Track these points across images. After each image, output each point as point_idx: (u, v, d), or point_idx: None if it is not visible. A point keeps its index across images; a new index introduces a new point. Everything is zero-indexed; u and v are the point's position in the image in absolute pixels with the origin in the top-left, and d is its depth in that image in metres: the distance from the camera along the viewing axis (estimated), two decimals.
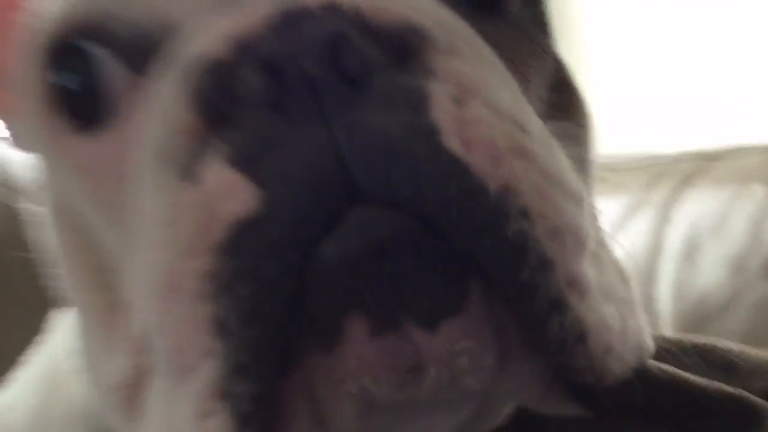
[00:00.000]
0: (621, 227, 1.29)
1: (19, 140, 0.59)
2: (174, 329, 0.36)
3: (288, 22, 0.38)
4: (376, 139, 0.35)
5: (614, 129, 2.27)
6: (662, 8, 2.43)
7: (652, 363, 0.79)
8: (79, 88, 0.44)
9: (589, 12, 2.54)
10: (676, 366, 0.79)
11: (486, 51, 0.41)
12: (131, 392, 0.43)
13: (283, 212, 0.35)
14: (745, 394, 0.78)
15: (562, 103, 0.49)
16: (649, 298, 1.18)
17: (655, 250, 1.21)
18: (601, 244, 0.41)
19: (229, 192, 0.35)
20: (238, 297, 0.34)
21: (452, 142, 0.35)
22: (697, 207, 1.19)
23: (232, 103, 0.37)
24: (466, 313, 0.35)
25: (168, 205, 0.37)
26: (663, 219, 1.23)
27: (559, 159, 0.40)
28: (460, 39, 0.40)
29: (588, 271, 0.37)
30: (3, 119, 0.59)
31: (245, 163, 0.35)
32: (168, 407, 0.39)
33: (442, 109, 0.36)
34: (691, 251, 1.15)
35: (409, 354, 0.35)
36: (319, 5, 0.38)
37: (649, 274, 1.20)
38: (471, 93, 0.37)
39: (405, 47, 0.38)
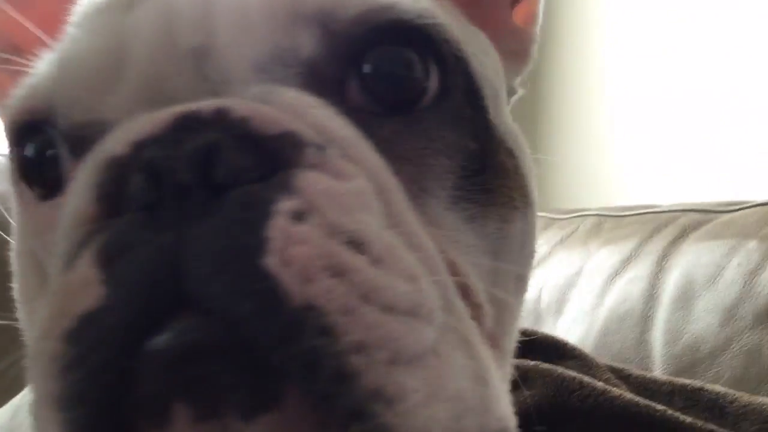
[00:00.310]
0: (619, 274, 1.33)
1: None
2: (35, 396, 0.42)
3: (178, 128, 0.42)
4: (207, 251, 0.39)
5: (619, 183, 2.32)
6: (666, 63, 2.48)
7: (644, 403, 0.83)
8: (36, 162, 0.51)
9: (597, 66, 2.60)
10: (667, 407, 0.83)
11: (370, 160, 0.44)
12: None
13: (117, 310, 0.39)
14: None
15: (487, 185, 0.51)
16: (643, 343, 1.21)
17: (651, 297, 1.24)
18: (465, 337, 0.44)
19: (82, 286, 0.40)
20: (73, 380, 0.39)
21: (271, 260, 0.38)
22: (694, 258, 1.22)
23: (122, 196, 0.42)
24: (283, 409, 0.38)
25: (51, 290, 0.43)
26: (660, 268, 1.26)
27: (396, 269, 0.41)
28: (340, 148, 0.43)
29: (404, 379, 0.39)
30: None
31: (104, 259, 0.40)
32: None
33: (276, 227, 0.39)
34: (685, 299, 1.18)
35: None
36: (210, 112, 0.42)
37: (644, 319, 1.23)
38: (314, 210, 0.40)
39: (280, 157, 0.41)
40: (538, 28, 0.67)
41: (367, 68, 0.48)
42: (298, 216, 0.39)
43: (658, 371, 1.14)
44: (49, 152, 0.50)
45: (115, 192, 0.42)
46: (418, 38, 0.49)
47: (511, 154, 0.54)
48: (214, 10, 0.48)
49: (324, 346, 0.38)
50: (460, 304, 0.45)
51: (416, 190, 0.47)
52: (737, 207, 1.31)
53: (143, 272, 0.39)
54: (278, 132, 0.42)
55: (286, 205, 0.39)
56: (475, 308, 0.47)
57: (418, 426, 0.39)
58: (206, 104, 0.43)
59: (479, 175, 0.51)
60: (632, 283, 1.29)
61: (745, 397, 0.87)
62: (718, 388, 0.91)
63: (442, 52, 0.49)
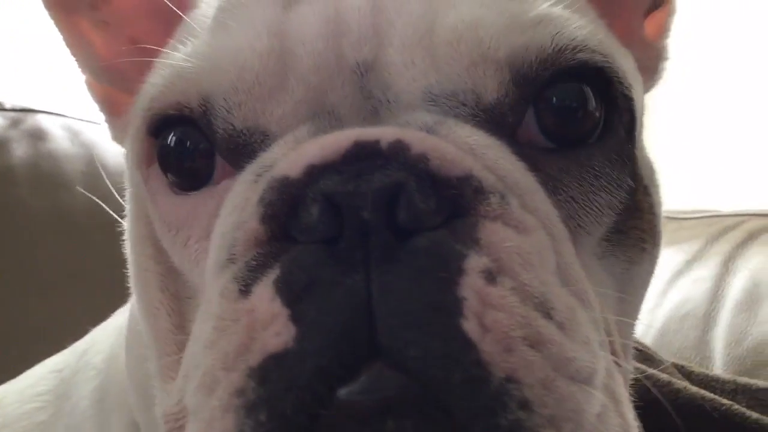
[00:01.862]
0: (683, 275, 1.31)
1: (114, 135, 0.64)
2: (204, 425, 0.40)
3: (361, 157, 0.41)
4: (401, 307, 0.37)
5: (684, 186, 2.29)
6: (731, 70, 2.44)
7: (710, 396, 0.81)
8: (178, 153, 0.49)
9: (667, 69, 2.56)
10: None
11: (542, 204, 0.43)
12: (176, 425, 0.47)
13: (310, 355, 0.37)
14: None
15: (630, 225, 0.50)
16: (705, 343, 1.20)
17: (715, 298, 1.23)
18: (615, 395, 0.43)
19: (269, 320, 0.39)
20: (258, 420, 0.38)
21: (470, 325, 0.37)
22: (761, 261, 1.21)
23: (297, 221, 0.40)
24: None
25: (224, 312, 0.41)
26: (726, 269, 1.25)
27: (577, 335, 0.40)
28: (517, 194, 0.42)
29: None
30: (104, 112, 0.64)
31: (289, 294, 0.39)
32: None
33: (471, 286, 0.38)
34: (751, 302, 1.17)
35: None
36: (388, 144, 0.41)
37: (706, 320, 1.22)
38: (505, 270, 0.39)
39: (461, 201, 0.40)
40: (668, 43, 0.63)
41: (543, 103, 0.46)
42: (490, 276, 0.38)
43: (719, 372, 1.12)
44: (189, 144, 0.48)
45: (285, 215, 0.41)
46: (596, 75, 0.48)
47: (647, 191, 0.53)
48: (388, 25, 0.46)
49: (524, 420, 0.37)
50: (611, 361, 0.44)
51: (573, 226, 0.47)
52: None
53: (336, 317, 0.38)
54: (459, 175, 0.41)
55: (477, 262, 0.38)
56: (611, 344, 0.46)
57: None
58: (383, 133, 0.42)
59: (626, 215, 0.50)
60: (696, 284, 1.27)
61: None
62: None
63: (614, 89, 0.48)
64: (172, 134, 0.49)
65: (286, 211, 0.41)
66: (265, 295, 0.39)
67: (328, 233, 0.39)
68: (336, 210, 0.39)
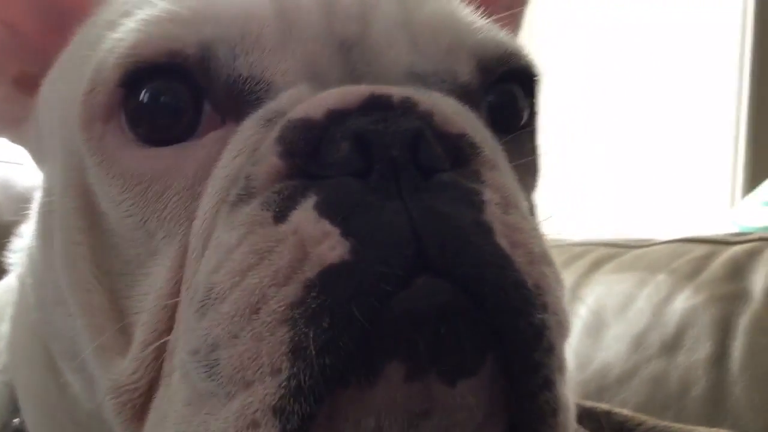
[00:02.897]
0: None
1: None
2: (246, 347, 0.41)
3: (376, 107, 0.46)
4: (448, 224, 0.43)
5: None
6: (578, 101, 2.55)
7: None
8: (156, 106, 0.49)
9: None
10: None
11: (508, 167, 0.51)
12: (136, 395, 0.47)
13: (369, 264, 0.41)
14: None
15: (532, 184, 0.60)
16: None
17: None
18: None
19: (321, 237, 0.42)
20: (320, 327, 0.40)
21: (503, 241, 0.44)
22: (605, 288, 1.25)
23: (316, 159, 0.44)
24: (477, 377, 0.42)
25: (262, 236, 0.43)
26: (572, 296, 1.29)
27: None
28: (497, 154, 0.49)
29: (568, 355, 0.46)
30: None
31: (335, 214, 0.42)
32: (190, 414, 0.43)
33: (493, 213, 0.45)
34: (596, 327, 1.21)
35: (426, 402, 0.42)
36: (399, 100, 0.46)
37: None
38: (511, 204, 0.46)
39: (461, 153, 0.46)
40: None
41: (491, 98, 0.55)
42: (502, 208, 0.45)
43: None
44: (169, 96, 0.49)
45: (307, 153, 0.44)
46: (527, 82, 0.58)
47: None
48: (371, 8, 0.52)
49: (546, 320, 0.44)
50: None
51: None
52: (647, 244, 1.35)
53: (387, 232, 0.42)
54: (457, 132, 0.47)
55: (492, 196, 0.45)
56: None
57: (566, 399, 0.46)
58: (394, 90, 0.47)
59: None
60: None
61: (650, 421, 0.90)
62: (626, 412, 0.93)
63: (536, 89, 0.59)
64: (149, 84, 0.49)
65: (308, 149, 0.44)
66: (308, 217, 0.42)
67: (359, 168, 0.43)
68: (364, 147, 0.44)
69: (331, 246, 0.41)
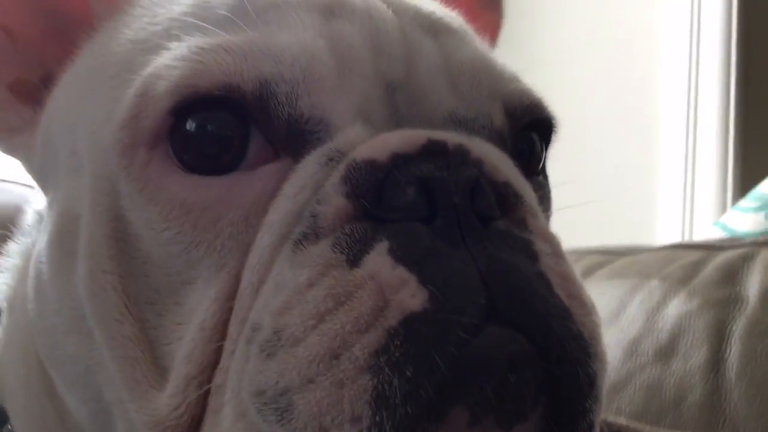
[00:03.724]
0: None
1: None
2: (324, 393, 0.40)
3: (433, 153, 0.46)
4: (513, 275, 0.44)
5: None
6: (570, 114, 2.55)
7: None
8: (208, 136, 0.48)
9: None
10: None
11: (538, 208, 0.52)
12: (177, 430, 0.46)
13: (449, 313, 0.41)
14: None
15: None
16: None
17: None
18: None
19: (399, 284, 0.42)
20: (405, 376, 0.40)
21: (561, 293, 0.46)
22: (597, 296, 1.23)
23: (380, 202, 0.45)
24: (530, 421, 0.44)
25: (339, 280, 0.43)
26: None
27: None
28: (534, 201, 0.51)
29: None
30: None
31: (409, 261, 0.42)
32: None
33: (546, 264, 0.46)
34: None
35: None
36: (453, 147, 0.47)
37: None
38: (559, 253, 0.48)
39: (507, 202, 0.48)
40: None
41: (511, 143, 0.56)
42: (553, 258, 0.47)
43: None
44: (217, 127, 0.48)
45: (372, 195, 0.45)
46: (546, 132, 0.61)
47: None
48: (416, 53, 0.53)
49: (599, 369, 0.46)
50: None
51: None
52: (639, 251, 1.34)
53: (462, 281, 0.42)
54: (503, 180, 0.48)
55: (543, 246, 0.47)
56: None
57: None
58: (448, 137, 0.48)
59: None
60: None
61: (646, 429, 0.88)
62: (620, 420, 0.91)
63: (552, 137, 0.61)
64: (199, 114, 0.48)
65: (374, 191, 0.45)
66: (384, 262, 0.43)
67: (424, 213, 0.44)
68: (429, 193, 0.45)
69: (411, 294, 0.42)
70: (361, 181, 0.45)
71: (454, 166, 0.46)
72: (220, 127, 0.49)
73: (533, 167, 0.60)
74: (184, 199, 0.48)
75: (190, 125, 0.48)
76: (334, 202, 0.45)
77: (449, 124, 0.52)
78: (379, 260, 0.43)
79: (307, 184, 0.47)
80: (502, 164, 0.50)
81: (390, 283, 0.42)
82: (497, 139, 0.54)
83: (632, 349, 1.08)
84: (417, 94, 0.52)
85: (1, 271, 0.64)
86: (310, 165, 0.48)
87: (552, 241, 0.49)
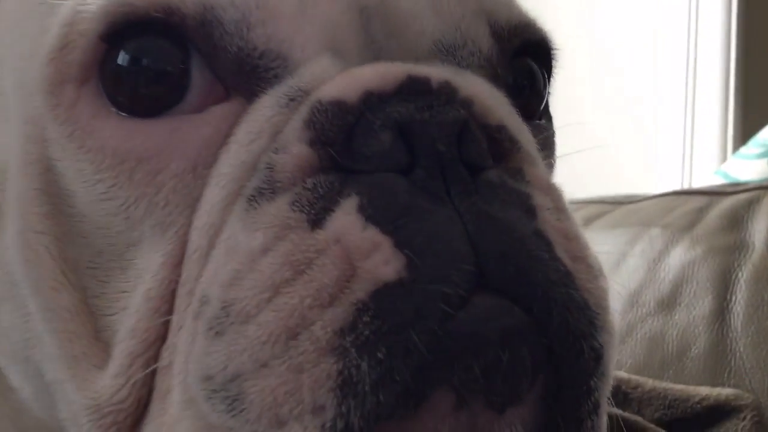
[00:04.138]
0: None
1: None
2: (281, 380, 0.35)
3: (414, 91, 0.40)
4: (508, 235, 0.38)
5: None
6: (573, 68, 2.51)
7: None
8: (143, 69, 0.42)
9: None
10: None
11: (538, 155, 0.46)
12: (121, 417, 0.40)
13: (428, 282, 0.35)
14: (638, 419, 0.78)
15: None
16: None
17: None
18: None
19: (371, 249, 0.36)
20: (375, 358, 0.34)
21: (563, 255, 0.39)
22: (597, 246, 1.20)
23: (350, 150, 0.38)
24: (526, 403, 0.38)
25: (298, 245, 0.36)
26: None
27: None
28: (533, 147, 0.45)
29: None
30: None
31: (383, 221, 0.36)
32: None
33: (547, 221, 0.40)
34: None
35: (471, 431, 0.37)
36: (438, 84, 0.41)
37: None
38: (561, 209, 0.42)
39: (501, 148, 0.42)
40: None
41: (510, 79, 0.49)
42: (555, 213, 0.41)
43: None
44: (155, 59, 0.42)
45: (341, 141, 0.39)
46: (545, 58, 0.53)
47: None
48: None
49: (607, 342, 0.40)
50: None
51: None
52: (638, 199, 1.31)
53: (445, 244, 0.37)
54: (497, 123, 0.42)
55: (543, 200, 0.41)
56: None
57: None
58: (432, 72, 0.42)
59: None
60: None
61: (649, 382, 0.85)
62: (621, 374, 0.88)
63: (552, 69, 0.54)
64: (133, 42, 0.42)
65: (343, 137, 0.39)
66: (352, 222, 0.37)
67: (402, 162, 0.38)
68: (408, 139, 0.39)
69: (384, 260, 0.36)
70: (327, 126, 0.39)
71: (438, 107, 0.40)
72: (157, 59, 0.42)
73: (533, 107, 0.52)
74: (117, 146, 0.41)
75: (123, 58, 0.42)
76: (295, 150, 0.39)
77: (435, 54, 0.45)
78: (346, 220, 0.37)
79: (264, 129, 0.40)
80: (496, 104, 0.44)
81: (359, 248, 0.36)
82: (488, 69, 0.47)
83: (633, 300, 1.05)
84: (396, 21, 0.45)
85: None
86: (267, 106, 0.41)
87: (553, 194, 0.43)
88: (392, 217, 0.37)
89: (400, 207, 0.37)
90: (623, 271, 1.10)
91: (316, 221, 0.37)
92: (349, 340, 0.35)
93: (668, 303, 1.03)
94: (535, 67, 0.52)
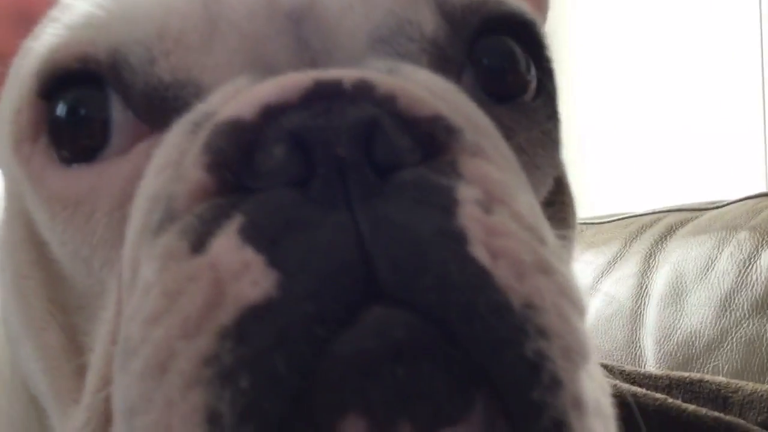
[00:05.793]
0: (607, 274, 1.28)
1: None
2: (157, 415, 0.33)
3: (321, 97, 0.37)
4: (403, 238, 0.34)
5: (598, 192, 2.29)
6: (638, 71, 2.47)
7: (642, 392, 0.77)
8: (73, 119, 0.43)
9: (569, 75, 2.59)
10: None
11: (506, 149, 0.41)
12: None
13: (299, 301, 0.32)
14: (741, 422, 0.76)
15: (558, 199, 0.50)
16: (635, 342, 1.16)
17: (639, 295, 1.20)
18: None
19: (241, 270, 0.33)
20: (238, 388, 0.32)
21: (480, 252, 0.34)
22: (682, 253, 1.18)
23: (251, 168, 0.36)
24: (466, 423, 0.33)
25: (175, 274, 0.35)
26: (647, 265, 1.22)
27: (569, 268, 0.39)
28: (485, 136, 0.40)
29: (588, 389, 0.35)
30: None
31: (260, 239, 0.34)
32: None
33: (470, 215, 0.35)
34: (676, 295, 1.14)
35: None
36: (352, 84, 0.38)
37: (634, 318, 1.19)
38: (497, 200, 0.37)
39: (434, 141, 0.37)
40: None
41: (478, 56, 0.45)
42: (484, 206, 0.36)
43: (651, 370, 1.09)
44: (88, 108, 0.42)
45: (238, 162, 0.36)
46: (523, 34, 0.47)
47: (564, 168, 0.52)
48: None
49: (545, 349, 0.34)
50: None
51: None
52: (722, 204, 1.28)
53: (326, 256, 0.33)
54: (428, 115, 0.38)
55: (469, 192, 0.36)
56: None
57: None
58: (345, 74, 0.38)
59: (555, 182, 0.50)
60: (619, 283, 1.24)
61: (749, 385, 0.83)
62: (720, 378, 0.86)
63: (542, 52, 0.48)
64: (67, 96, 0.43)
65: (239, 157, 0.36)
66: (228, 245, 0.34)
67: (297, 175, 0.35)
68: (304, 150, 0.35)
69: (252, 281, 0.33)
70: (224, 147, 0.36)
71: (338, 110, 0.36)
72: (83, 107, 0.42)
73: (518, 86, 0.47)
74: (59, 193, 0.43)
75: (61, 110, 0.43)
76: (192, 176, 0.36)
77: (372, 48, 0.42)
78: (224, 243, 0.34)
79: (172, 159, 0.38)
80: (431, 93, 0.40)
81: (229, 270, 0.33)
82: (434, 53, 0.44)
83: (725, 305, 1.03)
84: (328, 21, 0.42)
85: None
86: (174, 134, 0.39)
87: (490, 185, 0.37)
88: (272, 234, 0.34)
89: (282, 222, 0.34)
90: (712, 277, 1.07)
91: (196, 247, 0.35)
92: (212, 370, 0.32)
93: (763, 306, 1.00)
94: (513, 44, 0.47)
